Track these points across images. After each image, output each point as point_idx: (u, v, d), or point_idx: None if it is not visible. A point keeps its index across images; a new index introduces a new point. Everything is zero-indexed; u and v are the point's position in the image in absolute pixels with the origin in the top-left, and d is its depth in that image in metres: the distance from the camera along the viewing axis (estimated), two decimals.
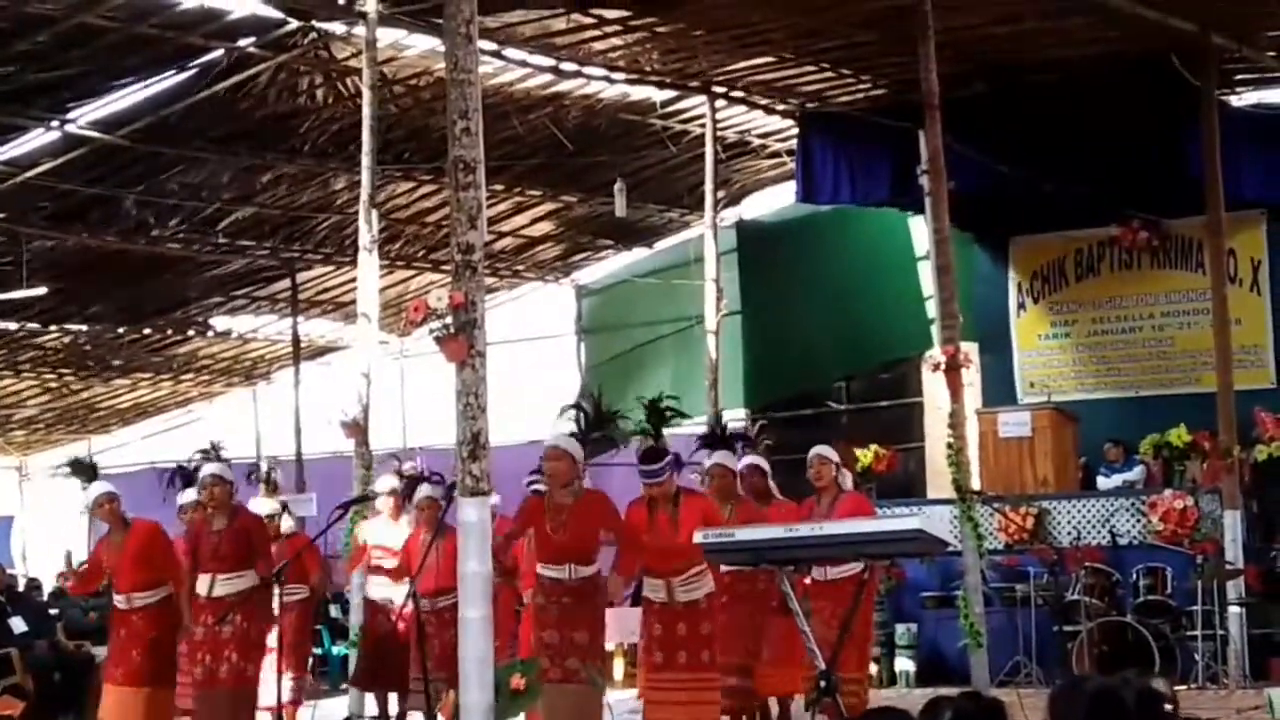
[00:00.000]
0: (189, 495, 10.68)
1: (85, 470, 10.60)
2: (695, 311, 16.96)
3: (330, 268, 19.97)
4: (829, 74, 15.43)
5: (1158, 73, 14.16)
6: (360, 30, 13.19)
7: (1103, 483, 16.06)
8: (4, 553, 23.47)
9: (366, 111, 12.71)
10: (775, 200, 19.75)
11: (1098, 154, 15.06)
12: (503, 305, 21.42)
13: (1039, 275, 17.77)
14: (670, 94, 16.10)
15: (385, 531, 11.58)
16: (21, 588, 17.42)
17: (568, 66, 14.95)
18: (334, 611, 16.61)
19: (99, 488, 10.29)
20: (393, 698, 11.51)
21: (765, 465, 10.20)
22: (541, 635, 9.02)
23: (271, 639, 10.22)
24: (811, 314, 18.64)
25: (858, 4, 13.24)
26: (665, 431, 9.32)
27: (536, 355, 21.42)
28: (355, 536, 11.77)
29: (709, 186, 15.91)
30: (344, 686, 12.72)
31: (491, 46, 13.75)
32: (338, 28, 14.05)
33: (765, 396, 18.74)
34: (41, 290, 18.12)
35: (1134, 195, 16.16)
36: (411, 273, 20.28)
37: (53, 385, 23.40)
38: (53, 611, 15.73)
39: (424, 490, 10.68)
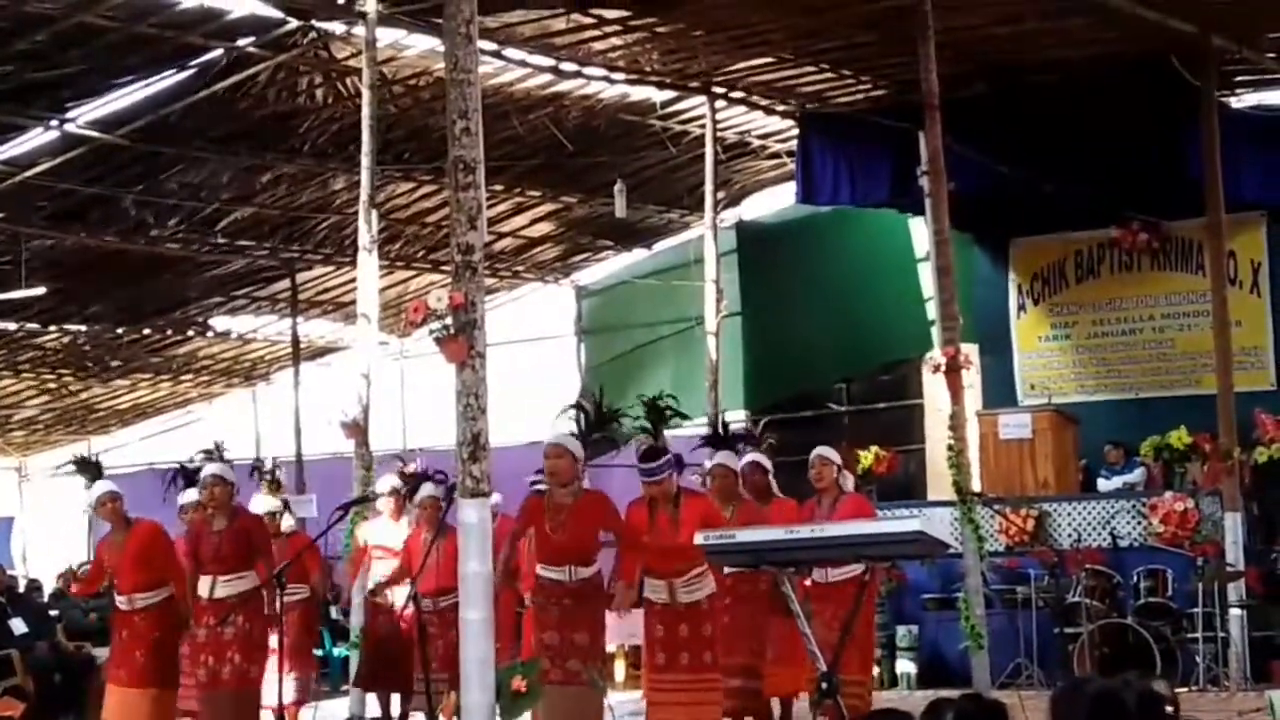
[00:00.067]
0: (190, 495, 10.67)
1: (90, 468, 10.59)
2: (695, 312, 16.96)
3: (330, 268, 19.96)
4: (829, 74, 15.42)
5: (1158, 74, 14.16)
6: (360, 30, 13.18)
7: (1103, 485, 16.05)
8: (4, 554, 23.46)
9: (366, 111, 12.70)
10: (775, 201, 19.74)
11: (1098, 155, 15.05)
12: (502, 306, 21.42)
13: (1039, 277, 17.76)
14: (670, 94, 16.09)
15: (386, 531, 11.60)
16: (22, 589, 17.40)
17: (567, 67, 14.95)
18: (334, 613, 16.59)
19: (102, 486, 10.28)
20: (395, 698, 11.52)
21: (767, 463, 10.19)
22: (542, 637, 9.00)
23: (272, 640, 10.20)
24: (811, 315, 18.64)
25: (858, 4, 13.23)
26: (666, 433, 9.30)
27: (536, 356, 21.42)
28: (355, 538, 11.76)
29: (709, 187, 15.90)
30: (345, 688, 12.70)
31: (491, 46, 13.74)
32: (337, 27, 14.04)
33: (765, 398, 18.73)
34: (41, 290, 18.12)
35: (1134, 197, 16.15)
36: (411, 273, 20.28)
37: (52, 386, 23.39)
38: (53, 613, 15.72)
39: (427, 489, 10.69)
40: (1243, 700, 12.27)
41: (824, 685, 7.34)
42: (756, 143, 17.93)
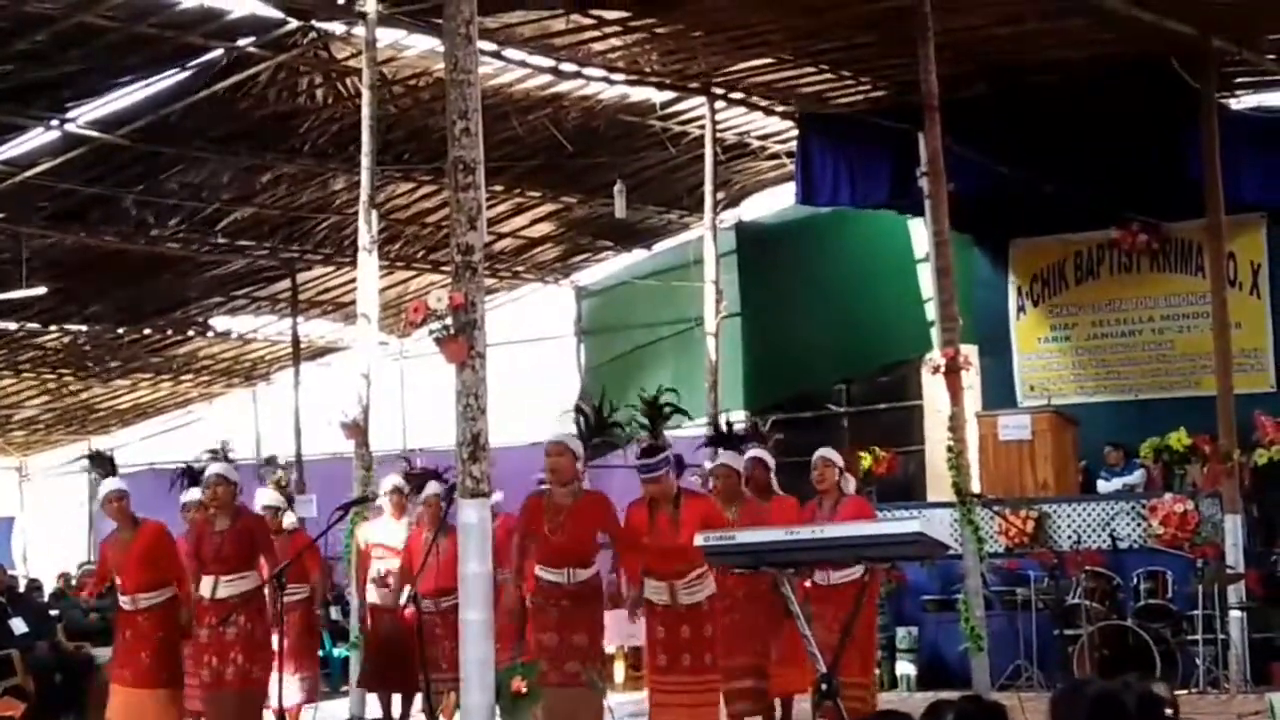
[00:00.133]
0: (192, 494, 10.69)
1: (104, 464, 10.59)
2: (695, 313, 16.97)
3: (330, 268, 19.97)
4: (829, 75, 15.42)
5: (1157, 75, 14.16)
6: (360, 30, 13.18)
7: (1103, 486, 16.05)
8: (4, 554, 23.45)
9: (366, 112, 12.70)
10: (775, 202, 19.75)
11: (1098, 156, 15.05)
12: (502, 306, 21.43)
13: (1039, 278, 17.76)
14: (670, 95, 16.10)
15: (386, 530, 11.62)
16: (22, 589, 17.40)
17: (567, 67, 14.95)
18: (334, 613, 16.59)
19: (111, 484, 10.30)
20: (396, 699, 11.53)
21: (770, 460, 10.18)
22: (540, 638, 8.99)
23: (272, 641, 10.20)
24: (811, 316, 18.63)
25: (857, 5, 13.23)
26: (667, 433, 9.29)
27: (536, 356, 21.44)
28: (356, 539, 11.76)
29: (708, 188, 15.90)
30: (345, 688, 12.70)
31: (491, 47, 13.74)
32: (337, 28, 14.04)
33: (765, 398, 18.71)
34: (41, 290, 18.12)
35: (1134, 198, 16.15)
36: (411, 273, 20.28)
37: (52, 385, 23.40)
38: (53, 612, 15.72)
39: (432, 487, 10.72)
40: (1242, 703, 12.27)
41: (824, 687, 7.34)
42: (756, 143, 17.93)
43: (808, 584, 9.62)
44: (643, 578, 9.12)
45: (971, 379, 13.15)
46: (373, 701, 11.80)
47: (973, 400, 14.97)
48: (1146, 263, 17.13)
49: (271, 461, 12.30)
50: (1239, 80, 15.42)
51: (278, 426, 21.16)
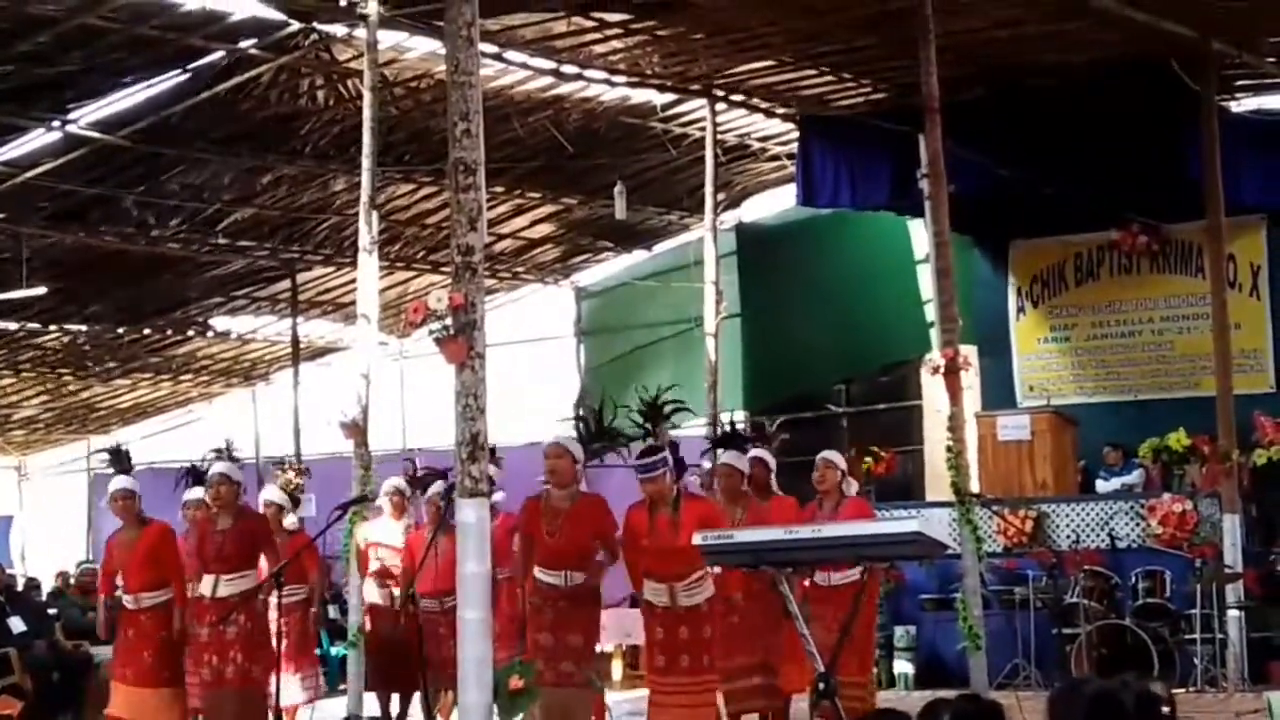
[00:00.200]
0: (194, 493, 10.71)
1: (120, 459, 10.59)
2: (695, 314, 16.97)
3: (330, 269, 19.98)
4: (829, 78, 15.44)
5: (1158, 77, 14.17)
6: (361, 32, 13.18)
7: (1102, 486, 16.07)
8: (3, 553, 23.46)
9: (367, 113, 12.71)
10: (775, 203, 19.76)
11: (1098, 158, 15.06)
12: (502, 307, 21.44)
13: (1038, 279, 17.78)
14: (671, 97, 16.11)
15: (386, 530, 11.66)
16: (20, 587, 17.41)
17: (568, 69, 14.96)
18: (333, 612, 16.60)
19: (119, 482, 10.31)
20: (395, 699, 11.56)
21: (771, 461, 10.19)
22: (537, 638, 9.02)
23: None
24: (811, 317, 18.64)
25: (858, 8, 13.24)
26: (671, 433, 9.30)
27: (536, 357, 21.45)
28: (355, 538, 11.79)
29: (709, 189, 15.91)
30: (343, 688, 12.72)
31: (492, 49, 13.75)
32: (339, 30, 14.05)
33: (764, 399, 18.74)
34: (41, 290, 18.13)
35: (1134, 199, 16.16)
36: (411, 274, 20.30)
37: (52, 385, 23.41)
38: (51, 611, 15.72)
39: (438, 486, 10.75)
40: (1240, 701, 12.28)
41: (822, 686, 7.35)
42: (756, 145, 17.95)
43: (806, 584, 9.64)
44: (643, 579, 9.14)
45: (971, 379, 13.17)
46: (370, 700, 11.82)
47: (972, 400, 15.00)
48: (1146, 264, 17.15)
49: (283, 464, 12.32)
50: (1239, 83, 15.44)
51: (277, 426, 21.16)
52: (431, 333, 8.06)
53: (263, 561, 10.23)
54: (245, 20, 13.54)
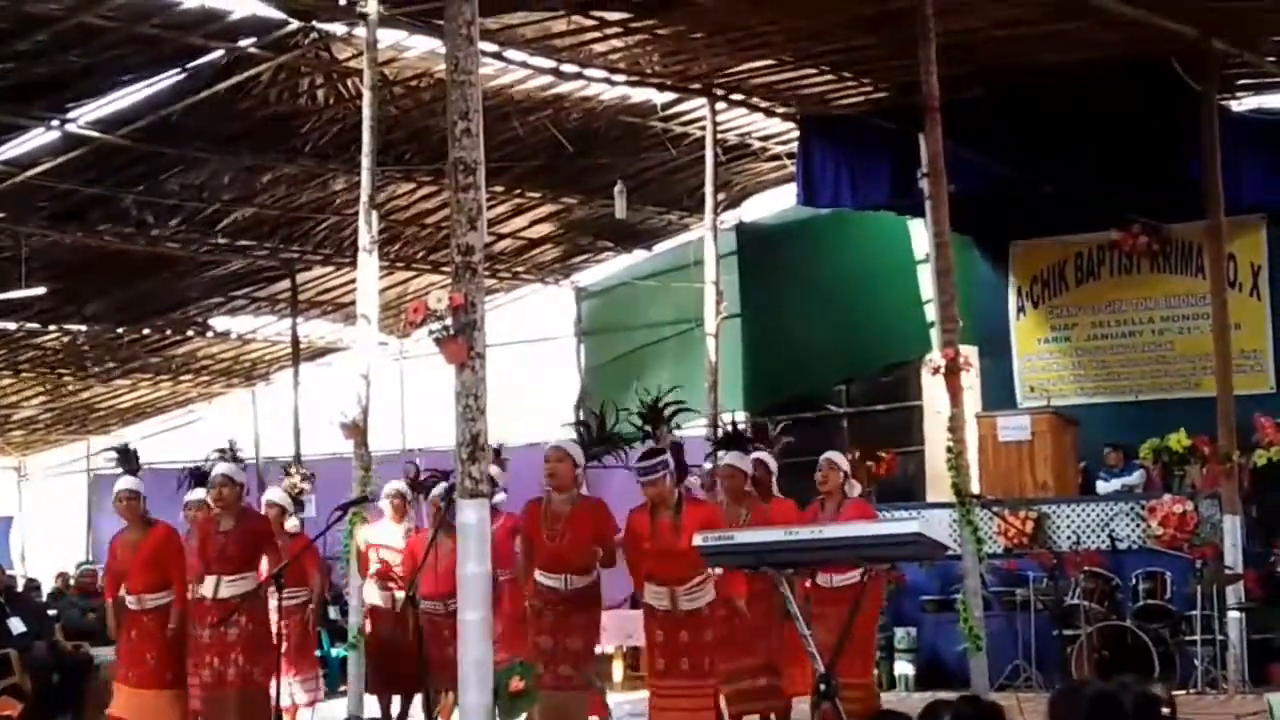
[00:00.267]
0: (195, 494, 10.71)
1: (127, 459, 10.57)
2: (695, 314, 16.96)
3: (330, 269, 19.97)
4: (829, 77, 15.42)
5: (1158, 77, 14.15)
6: (361, 31, 13.17)
7: (1102, 487, 16.07)
8: (3, 553, 23.46)
9: (367, 112, 12.70)
10: (775, 203, 19.75)
11: (1098, 158, 15.05)
12: (502, 307, 21.43)
13: (1039, 279, 17.77)
14: (671, 96, 16.10)
15: (387, 533, 11.66)
16: (20, 588, 17.40)
17: (568, 68, 14.95)
18: (333, 613, 16.60)
19: (124, 483, 10.31)
20: (395, 700, 11.54)
21: (773, 463, 10.18)
22: (537, 640, 9.02)
23: None
24: (811, 317, 18.64)
25: (858, 8, 13.23)
26: (675, 434, 9.29)
27: (536, 357, 21.44)
28: (355, 540, 11.77)
29: (709, 189, 15.90)
30: (343, 688, 12.71)
31: (492, 48, 13.74)
32: (338, 28, 14.04)
33: (765, 399, 18.74)
34: (41, 290, 18.12)
35: (1134, 199, 16.15)
36: (411, 274, 20.28)
37: (52, 385, 23.40)
38: (51, 612, 15.72)
39: (440, 488, 10.75)
40: (1241, 703, 12.26)
41: (823, 688, 7.33)
42: (757, 145, 17.94)
43: (807, 584, 9.63)
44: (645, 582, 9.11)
45: (971, 380, 13.16)
46: (371, 701, 11.81)
47: (972, 401, 14.99)
48: (1147, 264, 17.15)
49: (289, 469, 12.32)
50: (1240, 82, 15.42)
51: (277, 427, 21.15)
52: (431, 333, 8.05)
53: (264, 563, 10.22)
54: (245, 19, 13.52)
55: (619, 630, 14.48)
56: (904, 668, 14.65)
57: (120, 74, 14.10)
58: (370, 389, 12.22)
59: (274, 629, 10.01)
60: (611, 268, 21.59)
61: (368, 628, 11.77)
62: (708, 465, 10.89)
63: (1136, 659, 12.93)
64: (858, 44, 14.33)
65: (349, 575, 12.20)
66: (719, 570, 8.79)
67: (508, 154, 16.55)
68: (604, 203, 17.82)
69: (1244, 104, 15.81)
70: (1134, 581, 14.00)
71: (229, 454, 10.26)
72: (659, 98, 16.12)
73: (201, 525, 10.37)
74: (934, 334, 12.81)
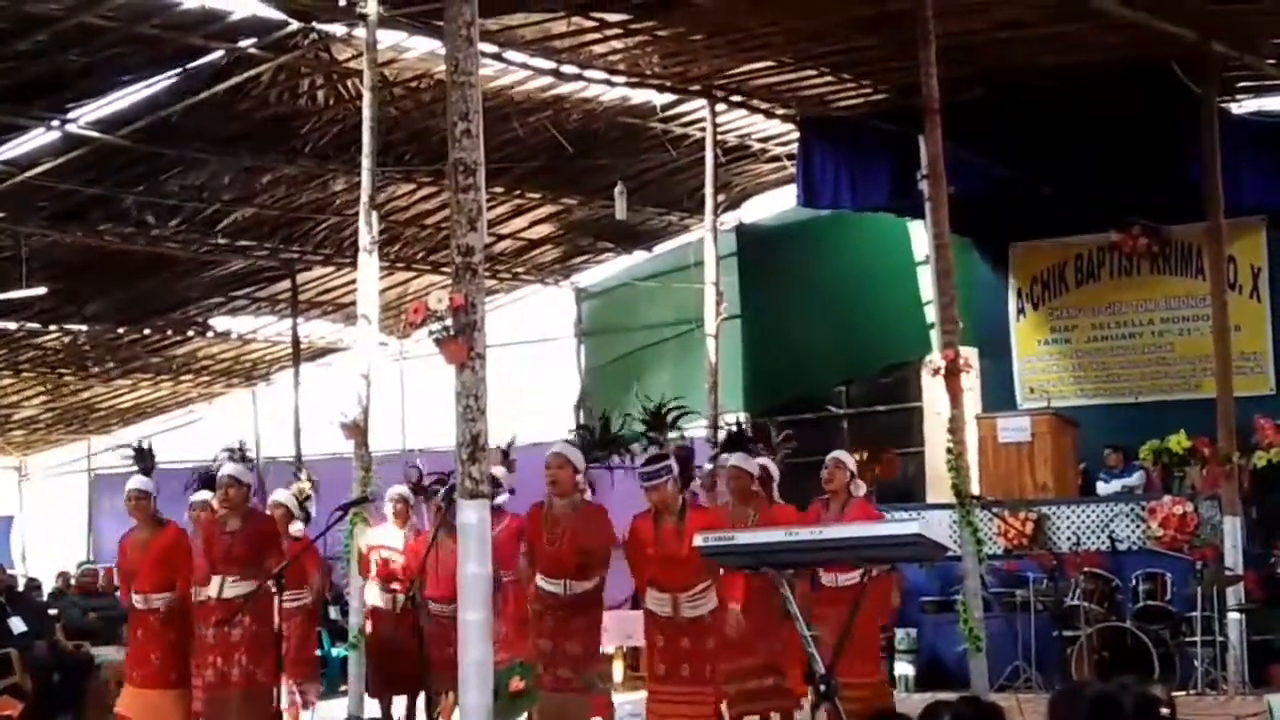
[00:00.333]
0: (200, 495, 10.71)
1: (142, 457, 10.55)
2: (695, 315, 16.96)
3: (330, 269, 19.97)
4: (829, 78, 15.42)
5: (1158, 79, 14.16)
6: (361, 32, 13.17)
7: (1102, 488, 16.07)
8: (4, 553, 23.46)
9: (367, 113, 12.70)
10: (775, 204, 19.75)
11: (1098, 160, 15.05)
12: (502, 308, 21.43)
13: (1039, 280, 17.77)
14: (671, 97, 16.10)
15: (389, 536, 11.67)
16: (21, 588, 17.40)
17: (568, 69, 14.95)
18: (334, 613, 16.60)
19: (134, 482, 10.29)
20: (396, 701, 11.55)
21: (774, 468, 10.16)
22: (538, 643, 9.02)
23: None
24: (811, 318, 18.64)
25: (858, 8, 13.23)
26: (674, 435, 9.29)
27: (536, 358, 21.44)
28: (358, 544, 11.78)
29: (709, 190, 15.90)
30: (343, 689, 12.71)
31: (492, 49, 13.74)
32: (338, 29, 14.04)
33: (765, 400, 18.74)
34: (41, 290, 18.13)
35: (1134, 201, 16.16)
36: (411, 274, 20.29)
37: (52, 385, 23.40)
38: (52, 612, 15.72)
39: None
40: (1241, 704, 12.28)
41: (822, 689, 7.33)
42: (757, 146, 17.94)
43: (809, 584, 9.62)
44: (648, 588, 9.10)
45: (971, 381, 13.16)
46: (371, 702, 11.81)
47: (972, 402, 14.99)
48: (1146, 266, 17.15)
49: (298, 472, 12.32)
50: (1240, 85, 15.42)
51: (278, 427, 21.16)
52: (432, 333, 8.05)
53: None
54: (244, 19, 13.52)
55: (619, 631, 14.48)
56: (904, 668, 14.64)
57: (120, 74, 14.10)
58: (370, 389, 12.23)
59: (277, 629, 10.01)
60: (611, 268, 21.60)
61: (368, 628, 11.77)
62: (707, 466, 10.88)
63: (1136, 660, 12.93)
64: (858, 45, 14.33)
65: (349, 576, 12.20)
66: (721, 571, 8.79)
67: (508, 155, 16.55)
68: (604, 204, 17.82)
69: (1244, 106, 15.81)
70: (1134, 583, 14.01)
71: (238, 454, 10.26)
72: (659, 99, 16.12)
73: (206, 526, 10.38)
74: (934, 335, 12.82)
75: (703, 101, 15.86)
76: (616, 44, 14.46)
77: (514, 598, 10.24)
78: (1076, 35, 13.81)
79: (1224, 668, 13.31)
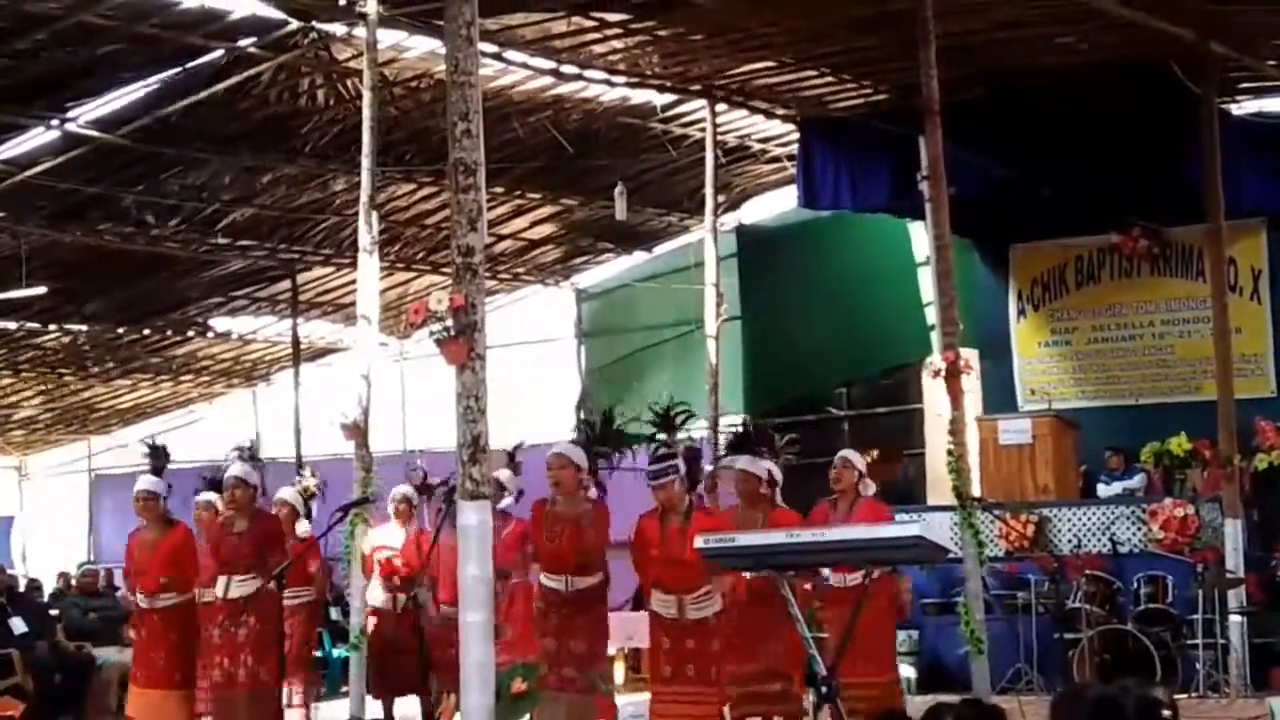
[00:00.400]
0: (205, 495, 10.70)
1: (156, 456, 10.53)
2: (695, 316, 16.94)
3: (330, 269, 19.96)
4: (829, 79, 15.42)
5: (1158, 80, 14.15)
6: (361, 31, 13.16)
7: (1103, 490, 16.05)
8: (4, 553, 23.46)
9: (367, 113, 12.69)
10: (775, 205, 19.74)
11: (1098, 161, 15.04)
12: (503, 308, 21.42)
13: (1039, 282, 17.76)
14: (671, 98, 16.09)
15: (391, 537, 11.66)
16: (22, 588, 17.40)
17: (568, 69, 14.94)
18: (334, 614, 16.59)
19: (143, 482, 10.28)
20: (397, 702, 11.54)
21: (777, 473, 10.12)
22: (542, 642, 9.01)
23: None
24: (811, 319, 18.64)
25: (858, 9, 13.22)
26: (679, 435, 9.29)
27: (536, 359, 21.44)
28: (360, 544, 11.77)
29: (709, 191, 15.89)
30: (344, 689, 12.71)
31: (492, 49, 13.73)
32: (338, 29, 14.03)
33: (765, 402, 18.72)
34: (41, 290, 18.13)
35: (1134, 202, 16.15)
36: (412, 275, 20.28)
37: (52, 385, 23.39)
38: (53, 612, 15.71)
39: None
40: (1243, 707, 12.28)
41: (823, 690, 7.32)
42: (757, 147, 17.93)
43: (807, 585, 9.59)
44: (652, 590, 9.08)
45: (972, 383, 13.13)
46: (373, 703, 11.80)
47: (973, 404, 14.96)
48: (1147, 267, 17.14)
49: (304, 471, 12.32)
50: (1240, 86, 15.41)
51: (278, 427, 21.15)
52: (432, 334, 8.03)
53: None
54: (244, 19, 13.52)
55: (620, 632, 14.42)
56: (905, 670, 14.54)
57: (120, 73, 14.09)
58: (371, 390, 12.22)
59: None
60: (612, 269, 21.59)
61: (370, 628, 11.76)
62: (708, 467, 10.86)
63: (1138, 663, 12.91)
64: (858, 46, 14.32)
65: (350, 576, 12.20)
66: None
67: (508, 155, 16.54)
68: (604, 204, 17.81)
69: (1244, 107, 15.80)
70: (1135, 585, 14.00)
71: (248, 453, 10.25)
72: (659, 99, 16.11)
73: (210, 526, 10.37)
74: (934, 337, 12.81)
75: (703, 102, 15.86)
76: (616, 44, 14.45)
77: (523, 599, 10.22)
78: (1076, 36, 13.80)
79: (1225, 670, 13.30)
